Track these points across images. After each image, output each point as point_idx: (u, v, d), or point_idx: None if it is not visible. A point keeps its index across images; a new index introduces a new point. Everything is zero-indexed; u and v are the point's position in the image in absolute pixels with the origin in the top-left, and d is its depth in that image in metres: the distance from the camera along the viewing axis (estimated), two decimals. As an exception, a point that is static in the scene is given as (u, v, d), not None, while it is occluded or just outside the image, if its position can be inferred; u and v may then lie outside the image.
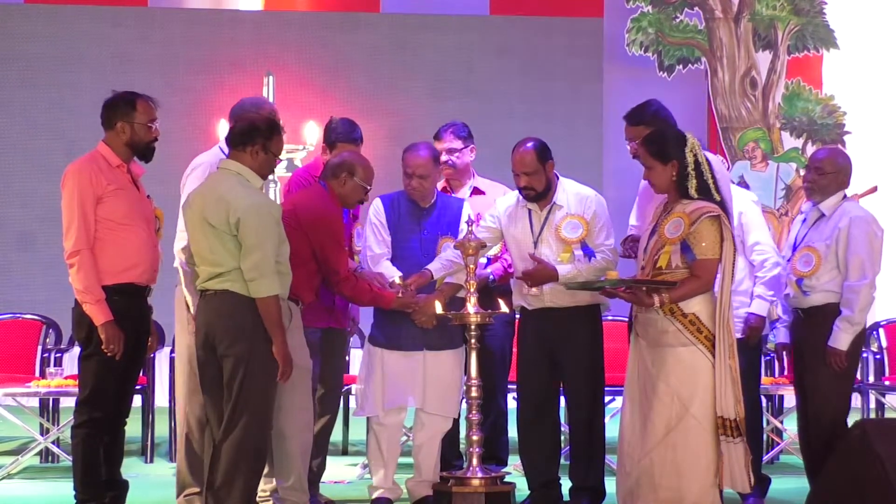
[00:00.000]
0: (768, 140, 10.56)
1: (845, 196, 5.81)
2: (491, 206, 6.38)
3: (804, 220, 5.89)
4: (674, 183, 5.24)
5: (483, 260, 6.23)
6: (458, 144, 6.51)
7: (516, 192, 6.01)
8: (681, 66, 10.56)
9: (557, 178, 5.95)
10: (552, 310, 5.89)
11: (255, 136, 5.20)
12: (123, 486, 5.54)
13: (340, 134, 6.01)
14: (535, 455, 5.99)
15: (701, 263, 5.14)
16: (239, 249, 5.06)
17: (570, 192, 5.95)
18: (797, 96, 10.58)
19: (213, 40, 10.53)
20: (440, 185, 6.38)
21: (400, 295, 5.77)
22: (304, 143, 9.12)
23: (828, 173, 5.75)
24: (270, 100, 8.96)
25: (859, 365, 5.99)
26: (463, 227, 5.88)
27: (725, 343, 5.13)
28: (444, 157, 6.43)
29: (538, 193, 5.87)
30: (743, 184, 10.13)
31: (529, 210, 5.93)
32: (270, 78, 9.45)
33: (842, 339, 5.59)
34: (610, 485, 6.34)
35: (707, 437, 5.13)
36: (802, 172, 10.43)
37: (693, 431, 5.13)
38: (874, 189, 5.88)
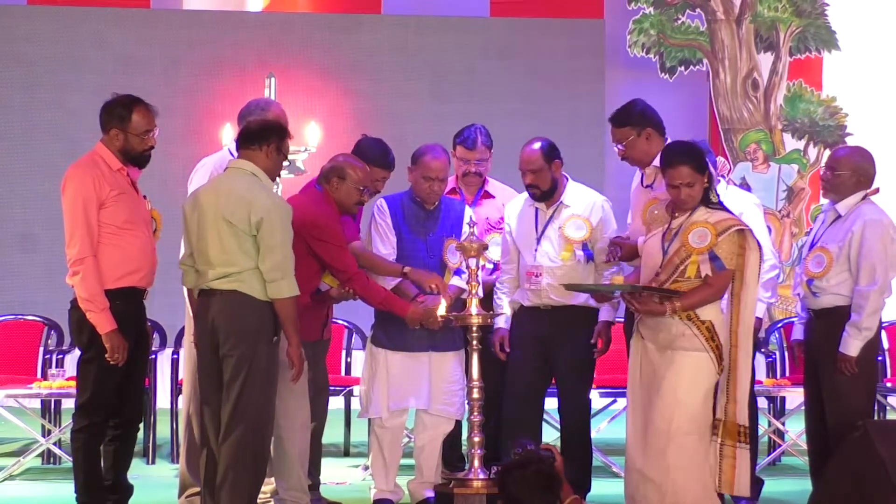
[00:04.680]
0: (770, 142, 10.55)
1: (865, 197, 5.72)
2: (500, 209, 6.42)
3: (823, 220, 5.86)
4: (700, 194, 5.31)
5: (489, 266, 6.26)
6: (487, 154, 6.49)
7: (524, 194, 6.10)
8: (682, 68, 10.56)
9: (567, 180, 6.04)
10: (551, 309, 5.95)
11: (271, 135, 5.22)
12: (128, 490, 5.55)
13: (373, 159, 5.92)
14: (518, 438, 6.01)
15: (719, 273, 5.20)
16: (255, 250, 5.06)
17: (578, 194, 6.04)
18: (799, 98, 10.57)
19: (215, 42, 10.52)
20: (449, 187, 6.37)
21: (421, 304, 5.75)
22: (305, 144, 9.12)
23: (840, 172, 5.70)
24: (272, 101, 8.97)
25: (877, 368, 5.95)
26: (465, 228, 5.90)
27: (746, 350, 5.20)
28: (472, 168, 6.44)
29: (544, 192, 5.95)
30: (745, 185, 10.13)
31: (536, 209, 6.02)
32: (272, 80, 9.45)
33: (851, 344, 5.55)
34: (614, 485, 6.37)
35: (706, 443, 5.17)
36: (804, 174, 10.48)
37: (695, 437, 5.16)
38: (876, 190, 5.87)
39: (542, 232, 6.00)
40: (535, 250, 5.99)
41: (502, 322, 6.04)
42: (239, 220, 5.06)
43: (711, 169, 5.36)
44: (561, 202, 6.00)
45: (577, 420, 6.04)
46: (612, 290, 5.47)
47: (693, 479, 5.16)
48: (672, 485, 5.16)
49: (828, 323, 5.64)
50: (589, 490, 6.00)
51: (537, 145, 5.96)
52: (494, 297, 6.12)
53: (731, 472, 5.19)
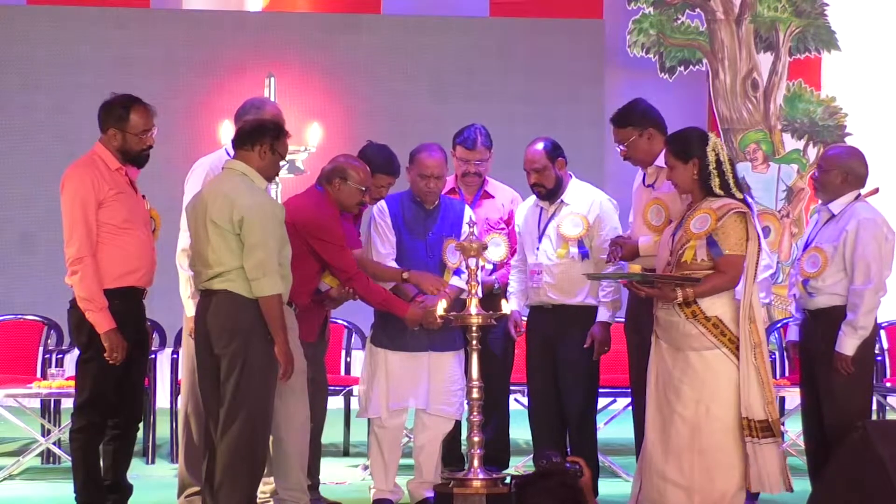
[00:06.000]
0: (769, 142, 10.55)
1: (858, 196, 5.71)
2: (500, 209, 6.45)
3: (817, 221, 5.85)
4: (696, 181, 5.25)
5: (489, 266, 6.28)
6: (486, 155, 6.51)
7: (534, 195, 6.17)
8: (682, 68, 10.56)
9: (570, 178, 6.11)
10: (552, 308, 6.04)
11: (264, 135, 5.22)
12: (127, 490, 5.55)
13: (378, 165, 5.92)
14: (543, 449, 6.05)
15: (727, 259, 5.15)
16: (241, 249, 5.08)
17: (579, 192, 6.10)
18: (798, 98, 10.57)
19: (215, 42, 10.52)
20: (448, 187, 6.38)
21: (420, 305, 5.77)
22: (305, 144, 9.13)
23: (827, 171, 5.71)
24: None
25: (874, 368, 5.93)
26: (465, 228, 5.92)
27: (750, 343, 5.14)
28: (472, 169, 6.45)
29: (549, 191, 6.03)
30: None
31: (541, 207, 6.11)
32: (272, 79, 9.45)
33: (847, 343, 5.54)
34: (614, 486, 6.37)
35: (733, 440, 5.16)
36: (804, 174, 10.49)
37: (718, 435, 5.15)
38: (876, 190, 5.88)
39: (543, 230, 6.08)
40: (537, 248, 6.08)
41: (511, 307, 6.15)
42: (223, 220, 5.07)
43: (715, 158, 5.25)
44: (562, 200, 6.06)
45: (577, 421, 6.05)
46: (628, 277, 5.44)
47: (721, 480, 5.15)
48: (699, 486, 5.14)
49: (824, 323, 5.63)
50: (596, 495, 6.00)
51: (540, 145, 6.03)
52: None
53: (748, 469, 5.17)
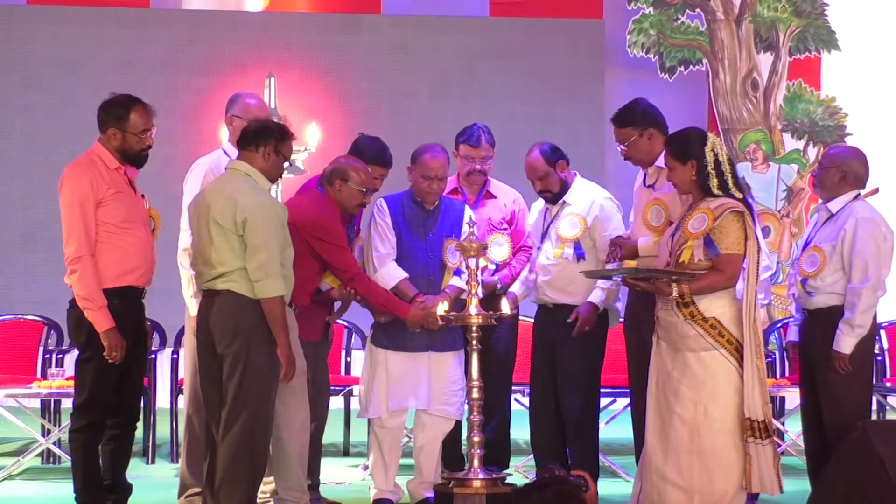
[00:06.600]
0: (769, 142, 10.55)
1: (858, 196, 5.71)
2: (502, 210, 6.45)
3: (816, 220, 5.85)
4: (695, 182, 5.25)
5: (491, 266, 6.28)
6: (490, 152, 6.51)
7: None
8: (682, 68, 10.56)
9: (574, 177, 6.13)
10: (553, 307, 6.05)
11: (269, 136, 5.23)
12: (127, 490, 5.55)
13: (371, 157, 5.92)
14: (543, 449, 6.06)
15: (725, 258, 5.14)
16: (244, 250, 5.08)
17: (581, 192, 6.11)
18: (798, 98, 10.57)
19: (215, 42, 10.53)
20: (451, 186, 6.38)
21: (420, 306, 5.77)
22: (305, 144, 9.13)
23: (826, 168, 5.72)
24: (272, 101, 8.98)
25: (873, 367, 5.92)
26: (465, 228, 5.92)
27: (753, 343, 5.13)
28: (477, 166, 6.45)
29: (556, 194, 6.07)
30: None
31: (548, 208, 6.16)
32: (272, 79, 9.45)
33: (844, 342, 5.54)
34: (614, 486, 6.36)
35: (732, 440, 5.14)
36: (804, 174, 10.50)
37: (718, 436, 5.14)
38: (876, 190, 5.88)
39: (546, 230, 6.10)
40: (539, 248, 6.12)
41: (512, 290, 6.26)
42: (226, 220, 5.08)
43: (713, 159, 5.24)
44: (564, 201, 6.08)
45: (575, 421, 6.04)
46: (624, 273, 5.43)
47: (720, 480, 5.14)
48: (699, 486, 5.13)
49: (823, 323, 5.63)
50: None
51: (538, 151, 6.05)
52: None
53: (751, 469, 5.17)
